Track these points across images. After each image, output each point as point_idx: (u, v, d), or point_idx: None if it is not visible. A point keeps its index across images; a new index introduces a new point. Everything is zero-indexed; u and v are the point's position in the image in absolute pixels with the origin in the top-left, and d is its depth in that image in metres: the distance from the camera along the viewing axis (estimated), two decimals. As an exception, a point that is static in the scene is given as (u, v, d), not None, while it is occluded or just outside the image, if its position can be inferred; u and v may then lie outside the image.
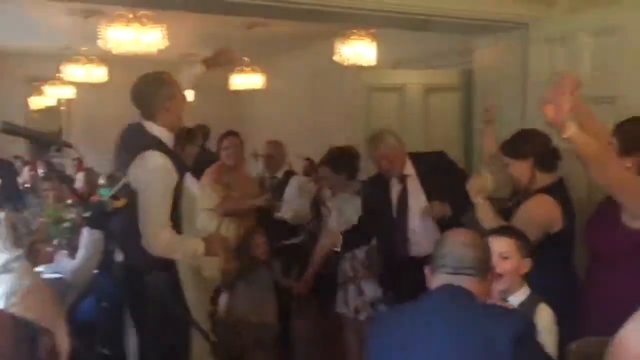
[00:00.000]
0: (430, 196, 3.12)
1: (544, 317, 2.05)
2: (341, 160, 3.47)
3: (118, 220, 2.22)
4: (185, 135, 3.54)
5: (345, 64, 5.25)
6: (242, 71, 6.48)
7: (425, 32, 4.03)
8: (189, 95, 7.57)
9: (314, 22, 3.93)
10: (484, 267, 1.77)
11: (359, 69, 5.05)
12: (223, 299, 3.50)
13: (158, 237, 2.38)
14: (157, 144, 2.45)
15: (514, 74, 3.53)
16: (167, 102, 2.49)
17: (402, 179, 3.22)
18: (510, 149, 2.67)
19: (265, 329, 3.46)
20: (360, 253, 3.41)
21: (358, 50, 5.08)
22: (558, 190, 2.57)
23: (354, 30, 5.12)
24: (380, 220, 3.25)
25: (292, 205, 4.06)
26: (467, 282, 1.72)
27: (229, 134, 3.91)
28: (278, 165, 4.21)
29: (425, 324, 1.68)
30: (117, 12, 4.25)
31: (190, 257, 2.59)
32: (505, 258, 2.10)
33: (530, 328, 1.67)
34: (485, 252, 1.81)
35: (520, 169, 2.63)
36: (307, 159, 6.18)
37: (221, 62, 2.93)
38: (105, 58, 5.63)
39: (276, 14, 3.47)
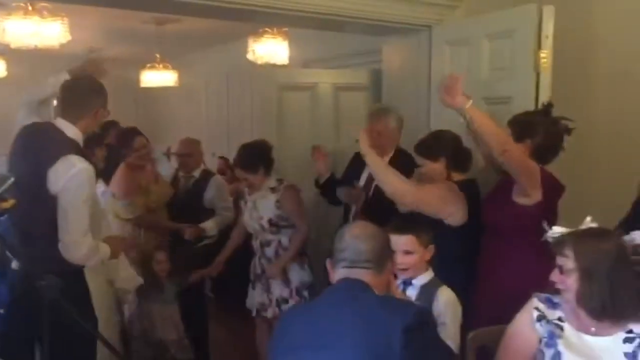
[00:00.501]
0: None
1: (444, 297, 2.16)
2: (255, 158, 3.43)
3: (8, 222, 2.10)
4: (96, 138, 3.43)
5: (259, 62, 5.24)
6: (153, 68, 6.32)
7: (336, 32, 4.11)
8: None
9: (228, 20, 3.90)
10: (381, 260, 1.79)
11: (272, 68, 5.05)
12: (126, 312, 3.43)
13: (80, 245, 2.31)
14: (76, 147, 2.38)
15: (420, 73, 3.65)
16: (100, 109, 2.48)
17: None
18: (424, 149, 2.77)
19: (168, 346, 3.41)
20: (269, 251, 3.41)
21: (270, 49, 5.08)
22: (468, 187, 2.70)
23: (267, 29, 5.13)
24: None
25: (216, 205, 3.97)
26: (364, 276, 1.75)
27: (135, 134, 3.79)
28: (194, 164, 4.04)
29: (323, 320, 1.69)
30: (15, 3, 4.03)
31: (103, 262, 2.52)
32: (409, 253, 2.19)
33: (422, 319, 1.68)
34: (383, 244, 1.83)
35: (434, 170, 2.73)
36: (222, 157, 6.12)
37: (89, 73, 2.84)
38: (3, 52, 5.32)
39: (183, 11, 3.40)
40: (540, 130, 2.48)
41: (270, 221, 3.36)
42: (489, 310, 2.32)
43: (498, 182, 2.64)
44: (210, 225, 3.87)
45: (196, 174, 4.04)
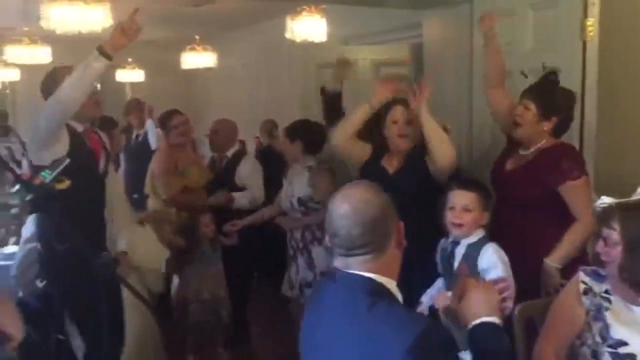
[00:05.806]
0: None
1: (487, 254, 2.13)
2: (297, 129, 3.44)
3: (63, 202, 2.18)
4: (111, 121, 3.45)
5: (298, 40, 5.22)
6: (193, 50, 6.36)
7: (375, 7, 4.05)
8: (140, 75, 7.28)
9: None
10: (381, 238, 1.49)
11: (309, 47, 5.03)
12: (175, 284, 3.48)
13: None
14: None
15: (461, 47, 3.59)
16: None
17: None
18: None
19: (219, 305, 3.45)
20: (297, 233, 3.31)
21: (309, 27, 5.04)
22: None
23: (305, 7, 5.09)
24: None
25: (247, 183, 3.93)
26: (362, 265, 1.49)
27: (175, 113, 3.84)
28: (226, 144, 4.00)
29: (321, 313, 1.56)
30: (59, -10, 4.10)
31: None
32: (468, 210, 2.17)
33: (425, 342, 1.37)
34: (380, 216, 1.49)
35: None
36: (257, 137, 6.12)
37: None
38: (49, 38, 5.44)
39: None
40: (564, 107, 2.54)
41: (299, 200, 3.31)
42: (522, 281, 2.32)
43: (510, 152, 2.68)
44: (239, 196, 3.80)
45: (229, 154, 4.01)
